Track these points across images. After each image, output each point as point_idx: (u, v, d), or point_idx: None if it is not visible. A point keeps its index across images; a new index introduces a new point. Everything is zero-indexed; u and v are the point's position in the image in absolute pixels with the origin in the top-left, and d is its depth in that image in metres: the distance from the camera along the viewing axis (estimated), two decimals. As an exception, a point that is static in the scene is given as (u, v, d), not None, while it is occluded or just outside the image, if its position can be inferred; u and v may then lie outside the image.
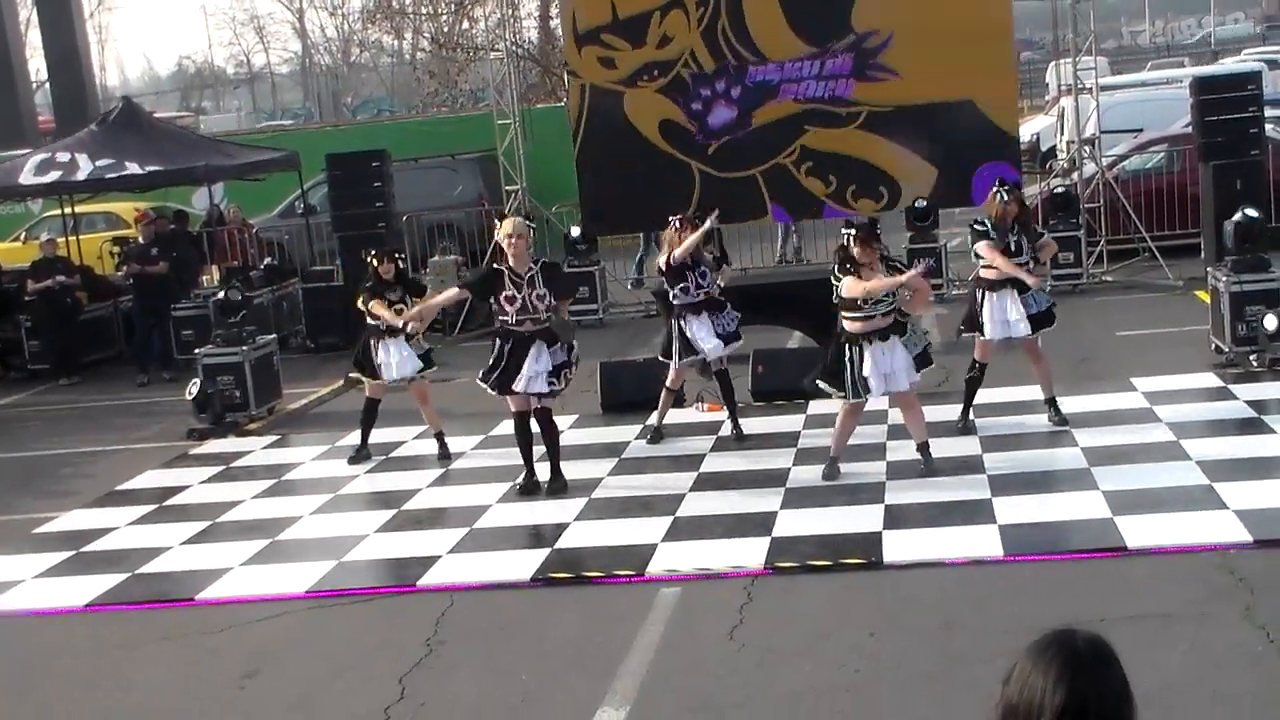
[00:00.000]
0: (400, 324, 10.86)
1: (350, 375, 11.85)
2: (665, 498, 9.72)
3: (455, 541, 9.20)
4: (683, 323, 11.02)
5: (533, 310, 9.77)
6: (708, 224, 11.15)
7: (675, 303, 11.07)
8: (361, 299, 11.27)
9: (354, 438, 12.13)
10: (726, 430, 11.33)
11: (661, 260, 11.10)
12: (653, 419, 11.42)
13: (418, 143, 24.90)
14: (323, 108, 68.55)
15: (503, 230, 9.83)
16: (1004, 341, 10.55)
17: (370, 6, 45.35)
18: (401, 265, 11.56)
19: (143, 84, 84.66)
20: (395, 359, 11.26)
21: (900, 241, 16.73)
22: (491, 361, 9.92)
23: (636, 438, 11.48)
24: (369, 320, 11.27)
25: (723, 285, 11.35)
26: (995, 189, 10.57)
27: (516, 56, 26.19)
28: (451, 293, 10.95)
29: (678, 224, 11.00)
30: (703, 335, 10.97)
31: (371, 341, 11.33)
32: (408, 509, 10.13)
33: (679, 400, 12.02)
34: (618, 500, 9.87)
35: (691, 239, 10.81)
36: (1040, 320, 10.49)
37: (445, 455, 11.44)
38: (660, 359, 11.38)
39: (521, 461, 10.16)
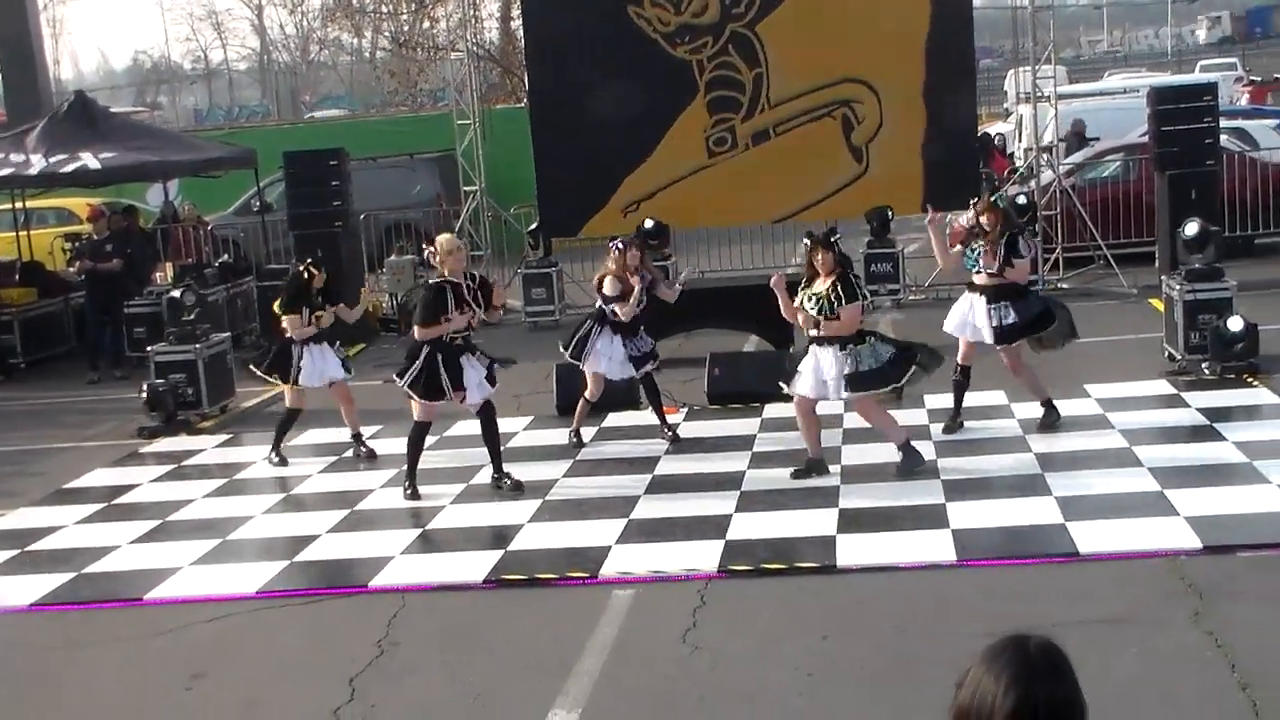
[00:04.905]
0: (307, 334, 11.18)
1: (263, 375, 11.58)
2: (619, 500, 9.69)
3: (408, 542, 9.14)
4: (598, 330, 11.03)
5: (468, 326, 9.97)
6: (681, 278, 11.63)
7: (597, 310, 11.16)
8: (279, 301, 11.35)
9: (307, 437, 12.09)
10: (680, 434, 11.35)
11: (608, 289, 10.94)
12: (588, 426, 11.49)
13: (376, 142, 24.82)
14: (280, 105, 68.16)
15: (441, 251, 9.90)
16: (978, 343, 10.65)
17: (330, 4, 45.11)
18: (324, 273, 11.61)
19: (97, 78, 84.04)
20: (320, 365, 11.25)
21: (859, 246, 16.80)
22: (425, 375, 9.86)
23: (590, 440, 11.45)
24: (289, 329, 11.24)
25: (681, 287, 11.58)
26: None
27: (477, 57, 26.10)
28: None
29: (620, 245, 10.99)
30: (614, 357, 10.99)
31: (295, 348, 11.25)
32: (360, 509, 10.06)
33: (634, 403, 12.03)
34: (572, 502, 9.83)
35: (634, 298, 10.83)
36: (1014, 331, 10.51)
37: (371, 455, 11.45)
38: (561, 348, 11.34)
39: (408, 467, 10.18)
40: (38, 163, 16.92)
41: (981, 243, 10.45)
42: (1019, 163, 23.01)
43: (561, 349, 11.34)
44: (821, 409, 9.99)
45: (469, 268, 10.13)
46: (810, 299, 9.55)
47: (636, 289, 10.84)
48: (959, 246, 10.79)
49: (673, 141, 17.59)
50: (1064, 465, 9.70)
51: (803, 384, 9.68)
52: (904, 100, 17.17)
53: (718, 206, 17.66)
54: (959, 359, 10.75)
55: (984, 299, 10.50)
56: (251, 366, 11.77)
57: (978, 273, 10.56)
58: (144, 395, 12.97)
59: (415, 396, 9.99)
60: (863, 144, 17.46)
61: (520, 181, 20.13)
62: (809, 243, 9.68)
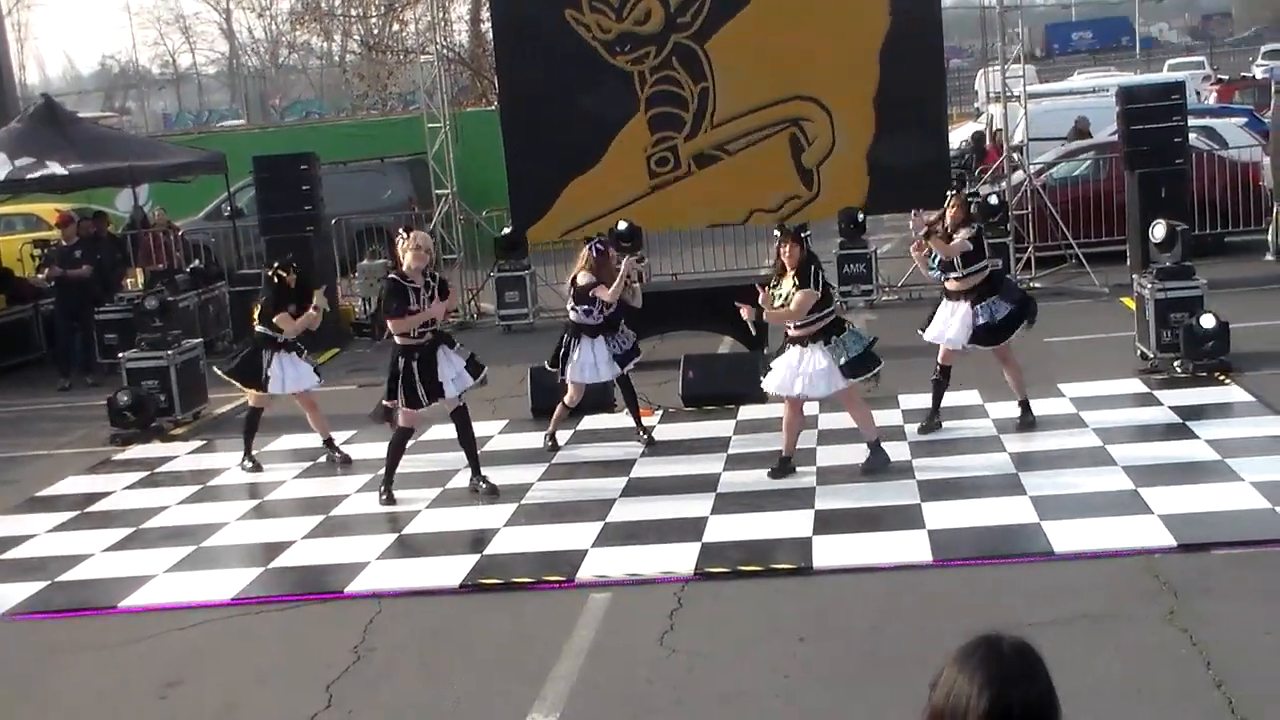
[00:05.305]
0: (300, 328, 11.09)
1: (228, 379, 11.50)
2: (596, 503, 9.68)
3: (384, 548, 9.11)
4: (575, 342, 10.96)
5: (433, 321, 9.90)
6: (625, 268, 11.20)
7: (572, 320, 10.99)
8: (260, 310, 11.21)
9: (281, 442, 12.04)
10: (656, 436, 11.34)
11: (582, 280, 10.84)
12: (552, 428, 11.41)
13: (347, 145, 24.75)
14: (250, 109, 67.88)
15: (410, 242, 9.86)
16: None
17: (299, 8, 44.91)
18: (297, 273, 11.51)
19: (65, 83, 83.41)
20: (291, 374, 11.18)
21: (831, 247, 16.82)
22: (402, 382, 9.82)
23: (566, 444, 11.44)
24: (263, 331, 11.15)
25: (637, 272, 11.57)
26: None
27: (447, 60, 26.06)
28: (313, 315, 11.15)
29: (598, 248, 10.93)
30: (598, 360, 10.90)
31: (265, 354, 11.17)
32: (335, 515, 10.02)
33: (609, 406, 12.01)
34: (548, 505, 9.82)
35: (620, 280, 10.70)
36: (997, 330, 10.51)
37: (346, 460, 11.37)
38: (547, 366, 11.31)
39: (385, 472, 10.12)
40: (3, 167, 16.80)
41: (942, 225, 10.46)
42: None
43: (548, 367, 11.24)
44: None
45: (432, 269, 10.04)
46: (778, 297, 9.58)
47: (622, 272, 10.75)
48: (922, 250, 10.72)
49: (618, 150, 17.48)
50: (1039, 465, 9.73)
51: (771, 379, 9.73)
52: (863, 111, 17.01)
53: (659, 229, 17.71)
54: (939, 359, 10.73)
55: (965, 303, 10.48)
56: (218, 370, 11.69)
57: (945, 280, 10.55)
58: (124, 401, 12.86)
59: (400, 405, 9.94)
60: (813, 166, 17.32)
61: (492, 184, 20.09)
62: (779, 234, 9.73)
